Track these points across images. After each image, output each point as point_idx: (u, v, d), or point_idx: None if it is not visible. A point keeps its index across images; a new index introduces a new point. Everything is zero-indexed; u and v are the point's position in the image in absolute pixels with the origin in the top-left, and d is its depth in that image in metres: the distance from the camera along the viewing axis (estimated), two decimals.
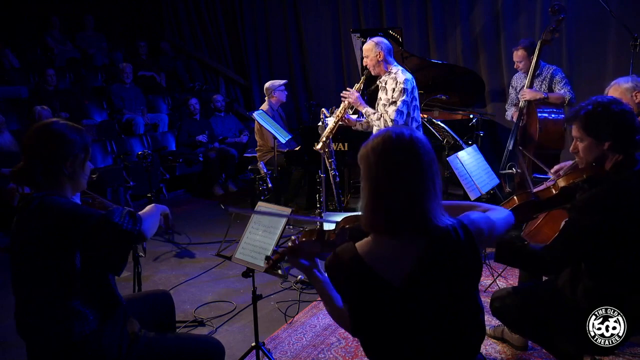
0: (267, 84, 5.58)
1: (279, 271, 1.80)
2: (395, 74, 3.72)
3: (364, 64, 3.86)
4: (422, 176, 1.39)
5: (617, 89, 2.78)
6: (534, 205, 2.29)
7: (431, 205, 1.39)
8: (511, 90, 4.80)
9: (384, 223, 1.40)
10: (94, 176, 2.06)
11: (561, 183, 2.19)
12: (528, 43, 4.48)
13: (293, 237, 1.72)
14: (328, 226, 1.74)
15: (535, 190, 2.37)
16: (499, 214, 1.60)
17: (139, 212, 1.93)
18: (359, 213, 1.50)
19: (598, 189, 1.93)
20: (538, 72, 4.46)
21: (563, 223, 2.34)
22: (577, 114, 1.98)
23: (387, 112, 3.69)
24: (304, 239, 1.69)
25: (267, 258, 1.79)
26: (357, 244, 1.44)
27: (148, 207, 2.04)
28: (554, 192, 2.21)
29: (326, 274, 1.50)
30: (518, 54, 4.51)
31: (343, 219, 1.68)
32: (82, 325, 1.73)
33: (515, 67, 4.61)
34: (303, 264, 1.67)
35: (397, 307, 1.40)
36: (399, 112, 3.65)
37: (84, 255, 1.73)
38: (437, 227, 1.39)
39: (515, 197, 2.33)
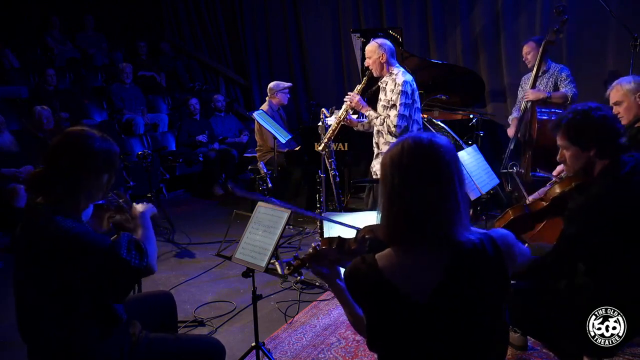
0: (271, 84, 5.56)
1: (301, 272, 1.77)
2: (395, 75, 3.71)
3: (366, 65, 3.85)
4: (441, 187, 1.30)
5: (620, 89, 2.76)
6: (528, 218, 2.34)
7: (452, 218, 1.31)
8: (520, 92, 4.81)
9: (401, 236, 1.34)
10: (121, 200, 2.00)
11: (552, 193, 2.22)
12: (537, 38, 4.54)
13: (314, 244, 1.66)
14: (348, 234, 1.68)
15: (528, 202, 2.42)
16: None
17: (140, 237, 1.88)
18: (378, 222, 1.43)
19: (585, 197, 1.94)
20: (545, 68, 4.49)
21: None
22: (559, 124, 1.99)
23: (389, 116, 3.69)
24: (324, 247, 1.63)
25: (289, 265, 1.73)
26: (377, 256, 1.37)
27: (140, 222, 1.96)
28: (544, 203, 2.26)
29: (345, 284, 1.44)
30: (527, 46, 4.56)
31: (364, 228, 1.60)
32: (82, 338, 1.72)
33: (524, 59, 4.65)
34: (324, 272, 1.62)
35: (417, 324, 1.33)
36: (400, 116, 3.64)
37: (84, 281, 1.68)
38: (460, 242, 1.31)
39: (510, 210, 2.40)
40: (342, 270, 1.63)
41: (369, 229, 1.58)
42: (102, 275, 1.67)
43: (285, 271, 1.76)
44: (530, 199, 2.54)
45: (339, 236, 1.63)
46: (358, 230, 1.64)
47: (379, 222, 1.42)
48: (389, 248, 1.39)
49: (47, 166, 1.72)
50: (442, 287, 1.31)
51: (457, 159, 1.36)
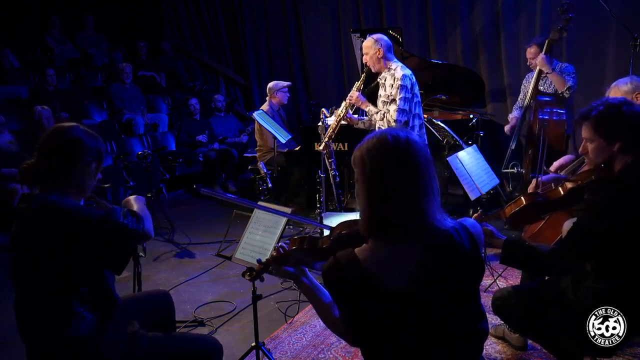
0: (270, 84, 5.57)
1: (263, 278, 1.76)
2: (394, 70, 3.70)
3: (364, 61, 3.85)
4: (419, 179, 1.36)
5: (617, 91, 2.76)
6: (541, 205, 2.29)
7: (430, 207, 1.37)
8: (522, 91, 4.79)
9: (382, 227, 1.37)
10: (106, 186, 2.05)
11: (569, 185, 2.19)
12: (541, 40, 4.48)
13: (279, 245, 1.66)
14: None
15: (542, 191, 2.37)
16: None
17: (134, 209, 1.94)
18: (356, 218, 1.46)
19: (608, 191, 1.92)
20: (551, 67, 4.43)
21: (566, 225, 2.34)
22: (588, 115, 1.96)
23: (389, 111, 3.68)
24: (293, 247, 1.63)
25: (250, 269, 1.74)
26: (357, 250, 1.40)
27: (134, 202, 2.03)
28: (561, 193, 2.21)
29: (323, 281, 1.45)
30: (530, 51, 4.53)
31: (339, 225, 1.62)
32: (79, 325, 1.73)
33: (528, 64, 4.63)
34: (288, 271, 1.63)
35: (400, 313, 1.36)
36: (400, 110, 3.63)
37: (84, 254, 1.72)
38: (438, 230, 1.37)
39: (522, 197, 2.33)
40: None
41: (345, 224, 1.61)
42: (101, 241, 1.73)
43: (247, 277, 1.77)
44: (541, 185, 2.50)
45: (309, 235, 1.64)
46: (332, 229, 1.64)
47: (356, 218, 1.46)
48: (367, 242, 1.42)
49: (38, 158, 1.80)
50: (420, 272, 1.36)
51: (431, 157, 1.42)
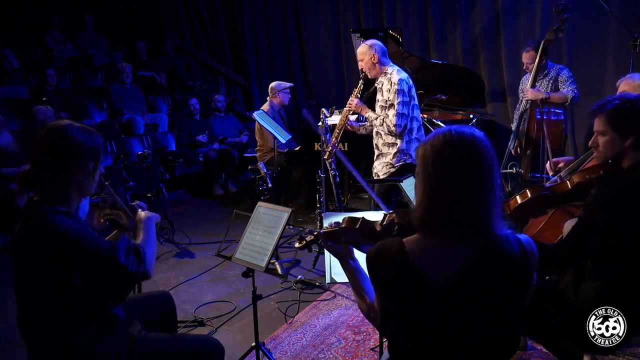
0: (273, 84, 5.57)
1: (311, 248, 1.78)
2: (390, 74, 3.71)
3: (360, 68, 3.85)
4: (481, 179, 1.34)
5: (630, 83, 2.73)
6: (547, 199, 2.26)
7: (489, 211, 1.34)
8: (520, 93, 4.79)
9: (436, 223, 1.36)
10: (106, 183, 2.01)
11: (576, 178, 2.17)
12: (537, 44, 4.46)
13: (332, 223, 1.69)
14: (373, 217, 1.70)
15: (548, 184, 2.35)
16: None
17: (140, 242, 1.90)
18: (411, 209, 1.47)
19: (615, 187, 1.91)
20: (546, 72, 4.44)
21: (566, 225, 2.33)
22: (603, 107, 1.93)
23: (387, 116, 3.68)
24: (344, 225, 1.65)
25: (301, 238, 1.76)
26: (405, 240, 1.39)
27: (144, 226, 1.97)
28: (568, 187, 2.19)
29: (366, 262, 1.44)
30: (527, 55, 4.50)
31: (392, 212, 1.63)
32: (80, 337, 1.72)
33: (524, 68, 4.62)
34: (337, 249, 1.66)
35: (435, 310, 1.35)
36: (399, 115, 3.64)
37: (82, 280, 1.69)
38: (492, 235, 1.35)
39: (527, 190, 2.30)
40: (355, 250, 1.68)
41: (400, 214, 1.61)
42: (100, 278, 1.70)
43: (297, 244, 1.78)
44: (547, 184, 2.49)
45: (362, 217, 1.66)
46: (385, 214, 1.66)
47: (412, 209, 1.45)
48: (417, 233, 1.40)
49: (34, 162, 1.74)
50: (466, 273, 1.33)
51: (494, 154, 1.39)
